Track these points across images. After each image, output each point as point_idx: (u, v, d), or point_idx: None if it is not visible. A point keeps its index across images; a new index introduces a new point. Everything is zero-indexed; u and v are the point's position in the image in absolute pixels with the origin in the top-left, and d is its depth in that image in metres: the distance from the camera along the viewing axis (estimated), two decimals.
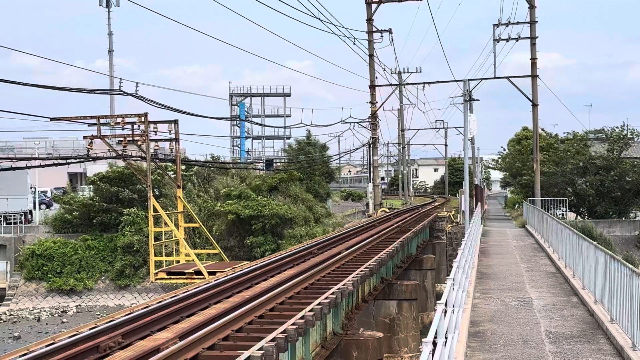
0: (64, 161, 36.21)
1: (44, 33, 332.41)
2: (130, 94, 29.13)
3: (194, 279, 27.44)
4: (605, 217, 47.77)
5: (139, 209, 49.62)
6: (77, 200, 53.51)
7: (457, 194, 59.12)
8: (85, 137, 30.75)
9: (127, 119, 29.22)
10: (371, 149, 51.68)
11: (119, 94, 29.87)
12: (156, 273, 29.43)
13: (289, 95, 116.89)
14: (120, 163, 50.69)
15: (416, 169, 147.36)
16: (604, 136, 52.61)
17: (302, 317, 11.47)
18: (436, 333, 8.47)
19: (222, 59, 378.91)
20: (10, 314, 46.64)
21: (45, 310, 47.25)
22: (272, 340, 10.00)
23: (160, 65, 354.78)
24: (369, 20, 49.03)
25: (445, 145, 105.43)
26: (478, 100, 36.98)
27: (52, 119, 28.77)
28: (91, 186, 55.68)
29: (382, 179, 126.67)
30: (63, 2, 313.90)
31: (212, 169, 55.74)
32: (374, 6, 48.83)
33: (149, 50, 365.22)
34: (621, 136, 50.99)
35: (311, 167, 60.32)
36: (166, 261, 32.40)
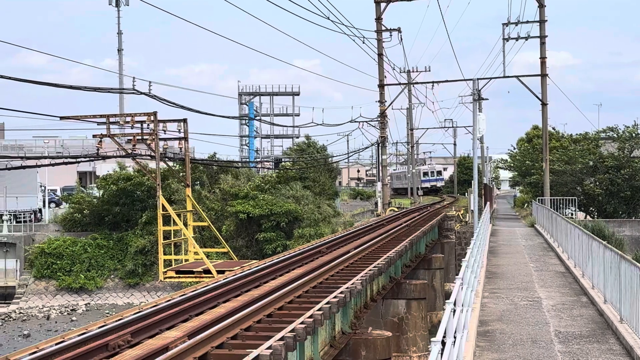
0: (73, 160, 36.32)
1: (51, 33, 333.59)
2: (144, 93, 29.20)
3: (202, 277, 27.47)
4: (614, 216, 47.59)
5: (152, 209, 49.78)
6: (87, 200, 53.60)
7: (466, 193, 59.01)
8: (94, 136, 30.81)
9: (137, 118, 29.21)
10: (380, 148, 51.64)
11: (133, 93, 29.95)
12: (165, 272, 29.46)
13: (297, 94, 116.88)
14: (129, 162, 50.84)
15: None
16: (615, 135, 52.38)
17: (310, 316, 11.46)
18: (445, 332, 8.47)
19: (229, 57, 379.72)
20: (20, 312, 46.83)
21: (54, 309, 47.43)
22: (281, 339, 10.00)
23: (167, 64, 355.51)
24: (378, 19, 49.01)
25: (454, 144, 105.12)
26: (487, 99, 36.95)
27: (61, 118, 28.83)
28: (100, 190, 55.67)
29: (434, 174, 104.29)
30: (68, 2, 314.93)
31: (220, 168, 55.81)
32: (383, 5, 48.82)
33: (155, 48, 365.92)
34: (633, 135, 50.76)
35: (311, 167, 60.33)
36: (175, 260, 32.45)
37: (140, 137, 29.74)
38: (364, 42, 47.18)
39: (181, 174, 39.71)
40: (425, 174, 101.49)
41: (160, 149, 30.18)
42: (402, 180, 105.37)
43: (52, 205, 65.36)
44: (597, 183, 49.25)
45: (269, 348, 9.54)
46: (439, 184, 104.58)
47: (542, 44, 46.33)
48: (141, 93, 29.39)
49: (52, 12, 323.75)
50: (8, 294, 49.76)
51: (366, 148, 75.99)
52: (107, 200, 52.12)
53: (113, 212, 51.57)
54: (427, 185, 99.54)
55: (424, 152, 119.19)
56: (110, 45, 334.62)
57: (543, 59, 46.50)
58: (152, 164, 36.54)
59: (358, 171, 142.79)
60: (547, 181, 46.81)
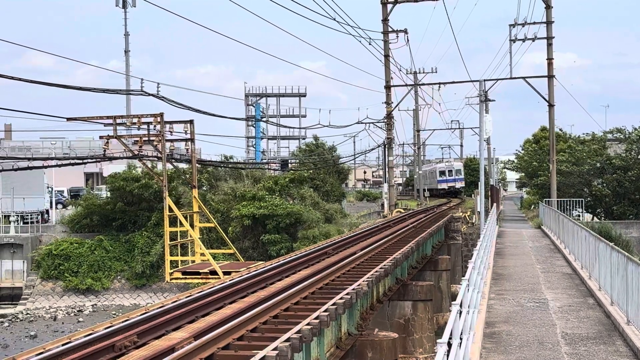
0: (80, 161, 36.39)
1: (57, 34, 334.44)
2: (152, 95, 29.31)
3: (209, 278, 27.51)
4: (622, 218, 47.47)
5: (161, 211, 49.83)
6: (96, 204, 53.49)
7: (473, 195, 58.89)
8: (101, 137, 30.87)
9: (143, 119, 29.31)
10: (386, 149, 51.63)
11: (141, 94, 30.04)
12: (171, 273, 29.51)
13: (304, 95, 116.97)
14: (137, 163, 50.88)
15: None
16: (622, 136, 52.25)
17: (316, 318, 11.46)
18: (451, 334, 8.46)
19: (235, 58, 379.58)
20: (27, 313, 46.93)
21: (61, 310, 47.52)
22: (287, 340, 10.01)
23: (173, 65, 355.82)
24: (385, 20, 49.03)
25: (461, 145, 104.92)
26: (494, 100, 36.98)
27: (68, 119, 28.91)
28: (108, 189, 55.71)
29: (452, 172, 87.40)
30: (74, 4, 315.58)
31: (226, 169, 55.85)
32: (389, 6, 48.84)
33: (162, 50, 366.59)
34: None
35: (320, 168, 60.31)
36: (182, 261, 32.51)
37: (147, 139, 29.81)
38: (370, 44, 47.17)
39: (188, 175, 39.76)
40: (442, 172, 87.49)
41: (166, 150, 30.23)
42: (430, 180, 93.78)
43: (59, 206, 65.49)
44: (605, 184, 49.11)
45: (275, 349, 9.54)
46: (459, 184, 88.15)
47: (549, 45, 46.28)
48: (149, 94, 29.50)
49: (57, 14, 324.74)
50: (15, 294, 49.89)
51: (372, 149, 75.74)
52: (114, 202, 52.15)
53: (120, 214, 51.60)
54: (445, 186, 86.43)
55: (441, 147, 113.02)
56: (116, 47, 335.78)
57: (550, 60, 46.45)
58: (159, 165, 36.61)
59: (365, 172, 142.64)
60: (554, 182, 46.70)
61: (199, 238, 32.31)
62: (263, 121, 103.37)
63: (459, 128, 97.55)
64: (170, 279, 30.03)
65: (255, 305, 13.04)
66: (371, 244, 23.75)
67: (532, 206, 69.85)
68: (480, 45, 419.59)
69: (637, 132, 50.79)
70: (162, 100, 29.20)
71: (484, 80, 34.51)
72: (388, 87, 49.64)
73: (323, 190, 58.55)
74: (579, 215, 46.67)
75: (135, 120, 29.70)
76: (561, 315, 16.20)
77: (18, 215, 54.00)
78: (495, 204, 50.52)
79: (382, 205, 57.03)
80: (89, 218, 52.78)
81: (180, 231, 32.91)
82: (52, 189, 62.22)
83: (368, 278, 15.77)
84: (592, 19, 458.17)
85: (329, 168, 62.24)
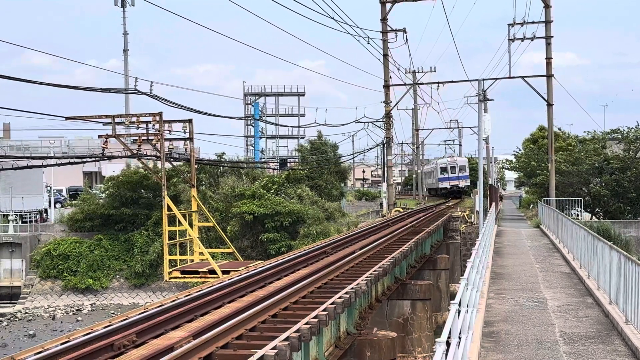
0: (79, 160, 36.39)
1: (57, 33, 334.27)
2: (145, 93, 29.25)
3: (207, 278, 27.50)
4: (620, 217, 47.50)
5: (160, 210, 49.78)
6: (95, 204, 53.36)
7: (472, 194, 58.88)
8: (100, 136, 30.88)
9: (142, 118, 29.31)
10: (385, 148, 51.63)
11: (134, 93, 30.01)
12: (170, 272, 29.51)
13: (303, 94, 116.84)
14: (136, 162, 50.86)
15: None
16: (620, 136, 52.27)
17: (315, 317, 11.46)
18: (450, 333, 8.46)
19: (235, 58, 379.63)
20: (26, 312, 46.93)
21: (60, 309, 47.52)
22: (286, 339, 10.01)
23: (172, 64, 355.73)
24: (384, 19, 49.03)
25: (460, 144, 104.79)
26: (493, 100, 36.97)
27: (67, 118, 28.90)
28: (105, 192, 55.65)
29: (455, 169, 76.92)
30: (73, 3, 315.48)
31: (225, 168, 55.87)
32: (388, 5, 48.84)
33: (161, 49, 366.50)
34: (638, 136, 50.64)
35: (321, 167, 60.25)
36: (180, 260, 32.50)
37: (145, 138, 29.81)
38: (368, 43, 47.14)
39: (187, 174, 39.77)
40: (443, 169, 77.51)
41: (165, 149, 30.23)
42: (431, 179, 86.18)
43: (58, 205, 65.46)
44: (603, 184, 49.15)
45: (273, 348, 9.54)
46: (463, 182, 77.81)
47: (548, 44, 46.29)
48: (142, 93, 29.45)
49: (57, 14, 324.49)
50: (14, 294, 49.88)
51: (371, 149, 75.29)
52: (113, 202, 52.11)
53: (119, 213, 51.54)
54: (447, 185, 77.43)
55: (444, 141, 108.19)
56: (116, 46, 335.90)
57: (549, 59, 46.47)
58: (158, 165, 36.61)
59: (363, 172, 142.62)
60: (553, 182, 46.72)
61: (198, 237, 32.31)
62: (261, 120, 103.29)
63: (458, 127, 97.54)
64: (169, 278, 30.03)
65: (254, 305, 13.04)
66: (370, 243, 23.75)
67: (531, 205, 69.87)
68: (479, 45, 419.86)
69: (634, 133, 50.82)
70: (156, 99, 29.19)
71: (483, 79, 34.52)
72: (387, 87, 49.64)
73: (325, 192, 58.47)
74: (577, 215, 46.71)
75: (134, 119, 29.72)
76: (560, 314, 16.21)
77: (17, 215, 53.97)
78: (494, 204, 50.55)
79: (381, 204, 57.07)
80: (88, 217, 52.73)
81: (179, 230, 32.93)
82: (50, 188, 62.20)
83: (367, 277, 15.77)
84: (592, 18, 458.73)
85: (330, 167, 62.17)
